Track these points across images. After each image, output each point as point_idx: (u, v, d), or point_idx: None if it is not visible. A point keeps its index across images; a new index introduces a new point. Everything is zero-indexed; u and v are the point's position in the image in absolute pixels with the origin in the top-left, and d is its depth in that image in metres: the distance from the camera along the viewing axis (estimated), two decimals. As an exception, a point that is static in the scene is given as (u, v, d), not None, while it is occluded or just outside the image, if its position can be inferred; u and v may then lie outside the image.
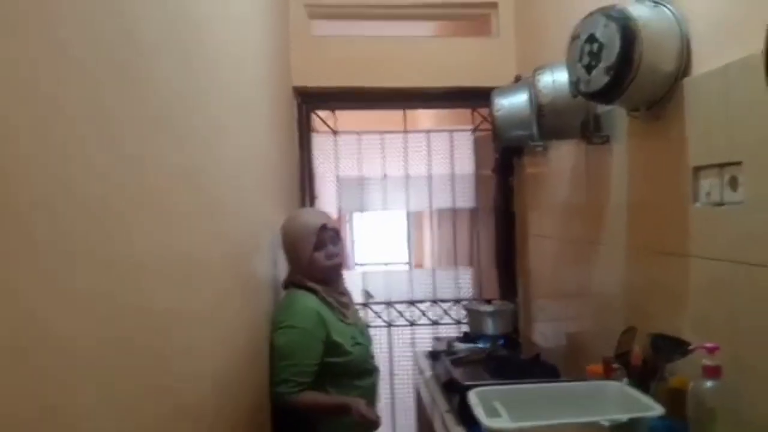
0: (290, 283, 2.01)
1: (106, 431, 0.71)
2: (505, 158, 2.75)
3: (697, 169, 1.34)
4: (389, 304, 2.93)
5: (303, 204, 2.76)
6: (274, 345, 1.86)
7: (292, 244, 2.00)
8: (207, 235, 1.22)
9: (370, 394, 1.99)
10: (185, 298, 1.06)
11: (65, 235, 0.63)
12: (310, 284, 1.95)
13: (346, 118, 2.92)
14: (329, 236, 1.98)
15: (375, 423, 1.83)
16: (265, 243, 1.96)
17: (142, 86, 0.87)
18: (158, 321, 0.91)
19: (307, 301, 1.92)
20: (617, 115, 1.69)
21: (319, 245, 1.95)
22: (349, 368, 1.89)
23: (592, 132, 1.76)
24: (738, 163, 1.20)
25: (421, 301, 2.96)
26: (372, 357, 2.07)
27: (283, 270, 2.13)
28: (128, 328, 0.79)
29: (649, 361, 1.47)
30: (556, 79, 1.79)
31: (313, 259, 1.95)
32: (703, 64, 1.34)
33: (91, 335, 0.69)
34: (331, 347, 1.87)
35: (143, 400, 0.84)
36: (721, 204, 1.26)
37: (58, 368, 0.61)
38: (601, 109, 1.77)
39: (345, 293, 2.08)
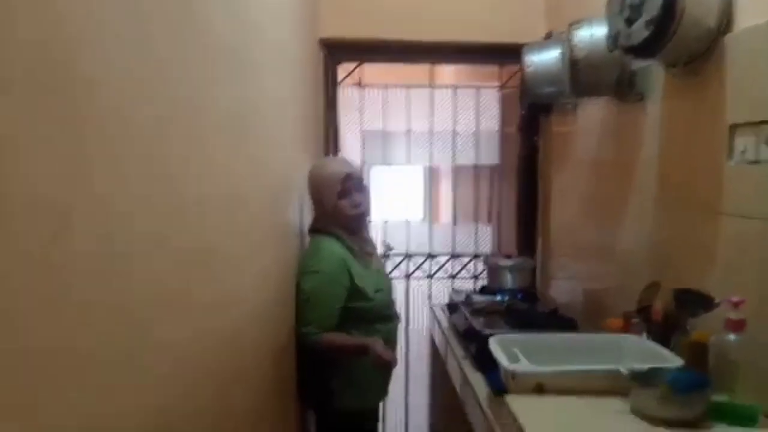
0: (316, 230, 2.06)
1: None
2: (531, 116, 2.73)
3: (734, 127, 1.34)
4: (408, 256, 2.97)
5: (327, 156, 2.78)
6: (301, 288, 1.93)
7: (317, 191, 2.04)
8: (246, 177, 1.25)
9: (390, 339, 2.05)
10: (226, 236, 1.09)
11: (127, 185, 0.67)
12: (335, 231, 2.00)
13: (372, 71, 2.90)
14: (354, 185, 2.02)
15: (390, 363, 1.90)
16: (293, 190, 1.99)
17: (195, 36, 0.89)
18: (200, 257, 0.94)
19: (333, 247, 1.97)
20: (653, 72, 1.68)
21: (343, 193, 1.98)
22: (370, 313, 1.95)
23: (626, 89, 1.74)
24: (777, 121, 1.20)
25: (440, 255, 3.00)
26: (393, 303, 2.13)
27: (307, 217, 2.17)
28: (179, 264, 0.83)
29: (671, 316, 1.50)
30: (594, 33, 1.77)
31: (338, 207, 1.98)
32: (745, 19, 1.32)
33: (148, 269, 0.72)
34: (354, 293, 1.94)
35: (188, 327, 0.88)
36: (756, 162, 1.27)
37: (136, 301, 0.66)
38: (637, 65, 1.75)
39: (368, 241, 2.14)
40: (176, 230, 0.82)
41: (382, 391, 2.13)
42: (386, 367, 1.91)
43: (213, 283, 0.99)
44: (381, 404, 2.24)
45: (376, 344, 1.86)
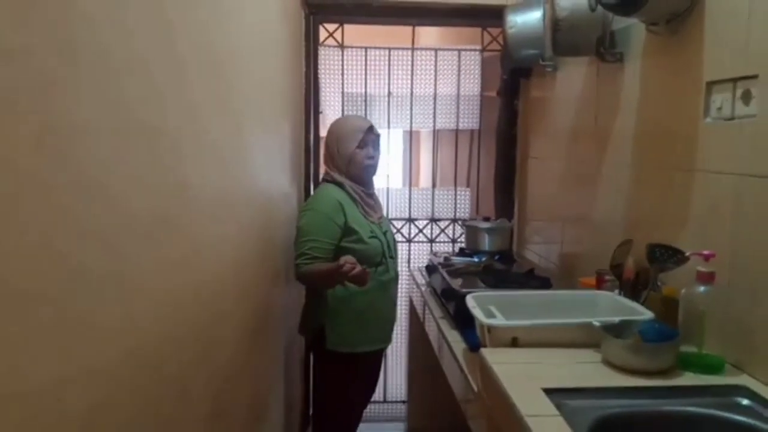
0: (324, 180, 2.21)
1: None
2: (512, 80, 2.73)
3: (710, 84, 1.35)
4: (388, 220, 2.97)
5: (308, 117, 2.76)
6: (297, 226, 2.08)
7: (337, 139, 2.17)
8: (224, 128, 1.24)
9: (388, 289, 2.18)
10: (199, 176, 1.08)
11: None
12: (338, 179, 2.14)
13: (354, 33, 2.86)
14: (371, 140, 2.19)
15: (360, 274, 1.89)
16: (274, 149, 1.98)
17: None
18: (175, 192, 0.94)
19: (332, 191, 2.12)
20: (633, 32, 1.68)
21: (361, 145, 2.16)
22: (364, 257, 2.04)
23: (606, 49, 1.74)
24: (754, 77, 1.21)
25: (419, 219, 3.01)
26: (392, 257, 2.22)
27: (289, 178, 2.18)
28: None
29: (643, 272, 1.53)
30: (575, -9, 1.76)
31: (354, 155, 2.14)
32: (728, -22, 1.32)
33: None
34: (348, 232, 2.06)
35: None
36: (731, 118, 1.28)
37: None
38: (617, 25, 1.75)
39: (373, 195, 2.26)
40: (151, 166, 0.81)
41: (375, 340, 2.20)
42: (358, 278, 1.90)
43: (188, 220, 0.99)
44: (381, 352, 2.34)
45: (342, 258, 1.90)
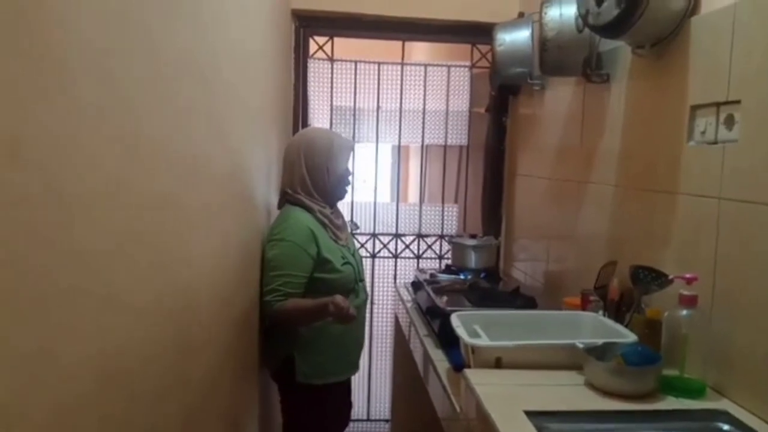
0: (287, 201, 2.03)
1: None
2: (501, 97, 2.74)
3: (694, 108, 1.36)
4: (374, 235, 2.96)
5: (296, 130, 2.75)
6: (266, 257, 1.91)
7: (328, 155, 1.99)
8: (209, 134, 1.23)
9: (360, 314, 2.04)
10: (182, 191, 1.07)
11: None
12: (307, 202, 1.98)
13: (344, 46, 2.87)
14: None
15: (350, 315, 1.82)
16: (261, 161, 1.96)
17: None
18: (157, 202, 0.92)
19: (301, 217, 1.96)
20: (620, 54, 1.69)
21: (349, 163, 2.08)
22: (337, 285, 1.93)
23: (593, 70, 1.76)
24: (736, 102, 1.22)
25: (406, 235, 3.00)
26: (362, 280, 2.12)
27: (273, 192, 2.15)
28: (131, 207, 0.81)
29: (627, 293, 1.53)
30: (563, 12, 1.77)
31: (346, 174, 2.05)
32: (712, 3, 1.33)
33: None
34: (321, 263, 1.92)
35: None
36: (714, 143, 1.29)
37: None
38: (604, 47, 1.76)
39: (340, 216, 2.13)
40: (129, 180, 0.80)
41: (348, 367, 2.09)
42: (346, 319, 1.83)
43: (165, 236, 0.97)
44: (350, 380, 2.17)
45: (336, 296, 1.82)
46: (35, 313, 0.57)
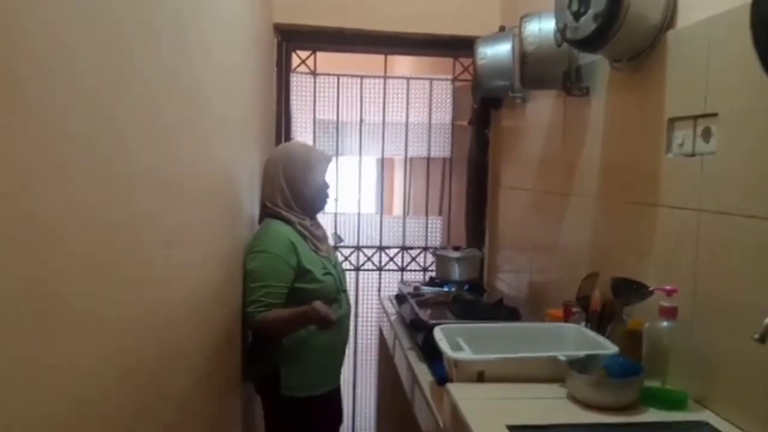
0: (267, 215, 2.04)
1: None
2: (483, 110, 2.75)
3: (672, 121, 1.38)
4: (358, 248, 2.95)
5: (278, 144, 2.74)
6: (247, 269, 1.92)
7: (305, 169, 2.03)
8: (192, 152, 1.22)
9: (341, 325, 2.05)
10: (163, 208, 1.05)
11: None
12: (286, 215, 2.00)
13: (326, 60, 2.87)
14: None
15: (330, 320, 1.85)
16: (244, 175, 1.95)
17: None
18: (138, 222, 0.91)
19: (281, 229, 1.97)
20: (599, 67, 1.71)
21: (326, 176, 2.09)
22: (319, 296, 1.93)
23: (572, 83, 1.77)
24: (713, 115, 1.23)
25: (390, 247, 2.99)
26: (344, 291, 2.13)
27: (257, 206, 2.14)
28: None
29: (608, 305, 1.53)
30: (542, 27, 1.79)
31: (323, 189, 2.07)
32: (688, 17, 1.35)
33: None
34: (302, 273, 1.93)
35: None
36: (692, 155, 1.30)
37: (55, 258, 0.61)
38: (583, 60, 1.78)
39: (320, 228, 2.15)
40: (107, 200, 0.79)
41: (331, 379, 2.10)
42: (326, 324, 1.86)
43: (143, 254, 0.96)
44: (339, 390, 2.19)
45: (315, 302, 1.84)
46: (7, 328, 0.56)
